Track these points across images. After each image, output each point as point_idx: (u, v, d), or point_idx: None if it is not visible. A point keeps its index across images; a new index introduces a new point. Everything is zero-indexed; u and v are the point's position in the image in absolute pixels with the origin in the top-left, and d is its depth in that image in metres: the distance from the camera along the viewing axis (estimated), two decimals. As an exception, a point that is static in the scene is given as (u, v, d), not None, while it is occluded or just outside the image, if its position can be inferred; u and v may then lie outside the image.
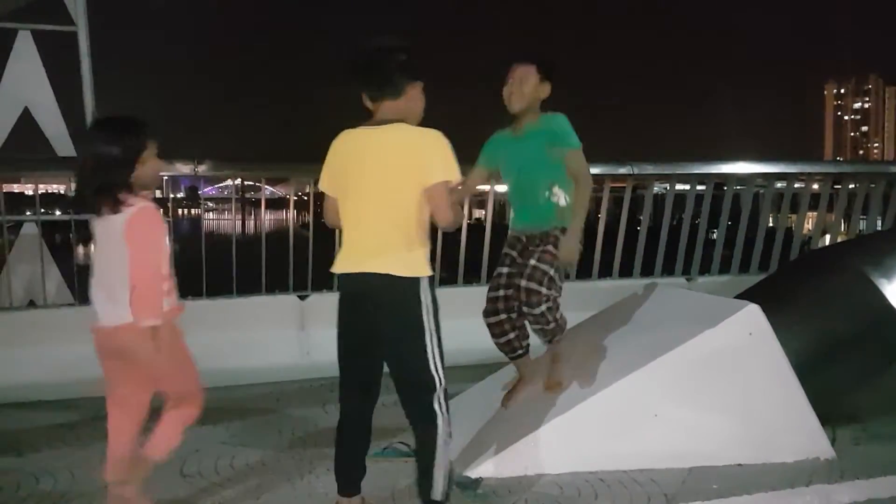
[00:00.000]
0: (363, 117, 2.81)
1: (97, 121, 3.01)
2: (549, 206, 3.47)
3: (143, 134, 2.75)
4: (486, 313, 3.68)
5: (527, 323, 3.63)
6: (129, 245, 2.65)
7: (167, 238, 2.78)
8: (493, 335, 3.70)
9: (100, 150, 2.71)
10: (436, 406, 2.75)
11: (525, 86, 3.46)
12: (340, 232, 2.92)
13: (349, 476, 2.96)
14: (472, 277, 6.01)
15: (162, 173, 3.26)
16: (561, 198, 3.47)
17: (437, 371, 2.74)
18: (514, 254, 3.60)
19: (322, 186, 2.88)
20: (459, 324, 5.61)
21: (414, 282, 2.69)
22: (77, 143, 3.03)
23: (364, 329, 2.81)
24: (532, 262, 3.44)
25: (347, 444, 2.96)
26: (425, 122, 2.81)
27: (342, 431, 2.98)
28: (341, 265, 2.82)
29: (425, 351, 2.71)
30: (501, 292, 3.61)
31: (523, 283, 3.43)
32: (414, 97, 2.78)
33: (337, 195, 2.83)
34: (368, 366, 2.88)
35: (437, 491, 2.74)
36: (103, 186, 2.67)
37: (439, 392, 2.75)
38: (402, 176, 2.69)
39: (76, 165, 2.87)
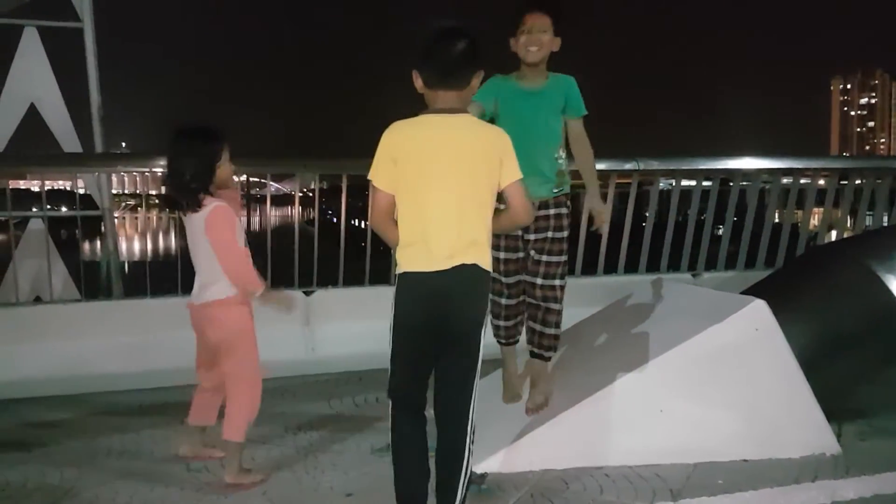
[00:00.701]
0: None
1: (180, 130, 3.23)
2: (554, 169, 3.42)
3: (221, 141, 3.21)
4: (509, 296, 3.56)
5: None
6: (210, 239, 3.16)
7: (239, 227, 3.27)
8: (506, 317, 3.61)
9: (184, 157, 3.17)
10: (470, 409, 2.68)
11: (545, 36, 3.31)
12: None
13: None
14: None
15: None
16: (563, 162, 3.44)
17: (478, 371, 2.69)
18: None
19: (378, 182, 2.62)
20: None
21: (486, 275, 2.66)
22: (166, 151, 3.30)
23: (432, 328, 2.68)
24: (545, 258, 3.43)
25: (398, 440, 2.88)
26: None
27: (397, 429, 2.86)
28: (414, 263, 2.63)
29: (478, 348, 2.67)
30: (514, 279, 3.53)
31: (539, 281, 3.42)
32: (475, 87, 2.68)
33: (396, 190, 2.62)
34: (423, 365, 2.78)
35: (458, 499, 2.68)
36: (188, 189, 3.16)
37: (475, 395, 2.69)
38: (479, 171, 2.59)
39: (165, 169, 3.29)
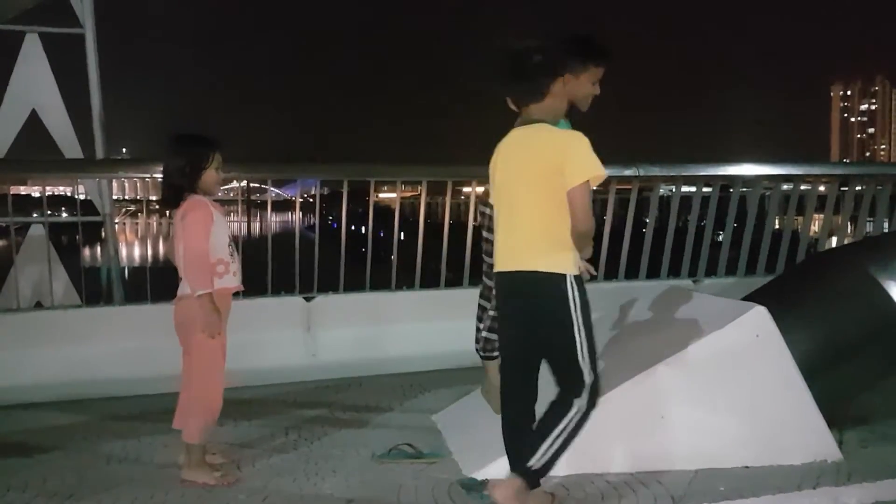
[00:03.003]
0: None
1: (174, 136, 3.44)
2: None
3: (211, 147, 3.35)
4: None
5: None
6: (182, 230, 3.26)
7: (221, 226, 3.32)
8: (489, 328, 3.83)
9: (171, 159, 3.35)
10: (574, 399, 2.84)
11: None
12: None
13: (511, 454, 3.01)
14: (477, 279, 6.02)
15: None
16: None
17: (585, 365, 2.83)
18: None
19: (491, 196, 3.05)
20: (465, 325, 5.64)
21: (561, 278, 2.79)
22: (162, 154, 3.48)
23: (518, 323, 2.92)
24: None
25: (513, 430, 3.00)
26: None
27: (506, 417, 3.03)
28: (496, 262, 2.96)
29: (574, 346, 2.81)
30: None
31: None
32: (557, 93, 2.84)
33: (493, 200, 2.99)
34: (524, 357, 2.96)
35: (534, 460, 2.84)
36: (173, 186, 3.32)
37: (585, 386, 2.84)
38: (544, 177, 2.77)
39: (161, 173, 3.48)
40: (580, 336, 2.82)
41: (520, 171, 2.84)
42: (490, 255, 3.57)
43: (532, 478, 2.88)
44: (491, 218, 3.56)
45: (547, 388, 2.97)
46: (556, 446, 2.84)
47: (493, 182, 3.00)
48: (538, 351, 2.94)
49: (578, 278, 2.83)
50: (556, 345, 2.86)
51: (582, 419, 2.86)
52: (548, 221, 2.79)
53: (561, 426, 2.84)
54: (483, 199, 3.82)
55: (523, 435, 2.95)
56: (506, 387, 3.05)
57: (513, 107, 2.92)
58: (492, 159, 2.99)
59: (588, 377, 2.85)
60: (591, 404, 2.88)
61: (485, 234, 3.81)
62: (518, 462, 2.92)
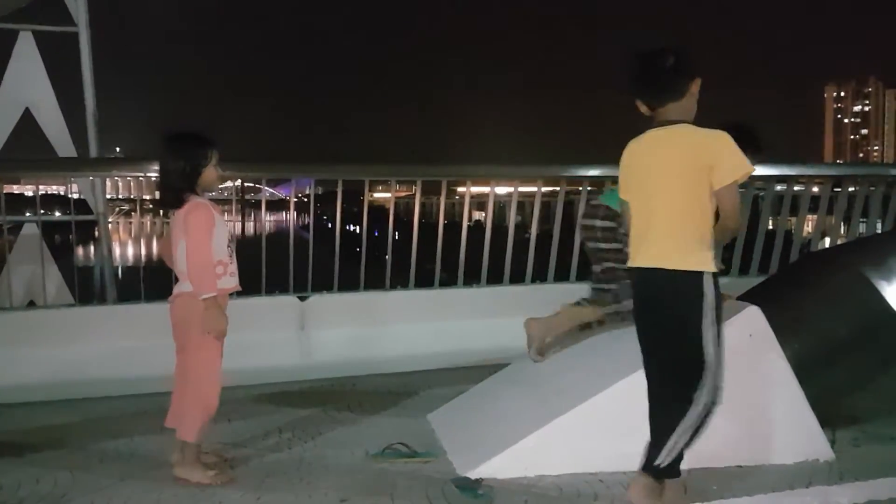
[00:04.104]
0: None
1: (170, 135, 3.42)
2: None
3: (208, 146, 3.34)
4: None
5: None
6: (183, 233, 3.25)
7: (221, 228, 3.31)
8: None
9: (170, 160, 3.31)
10: (695, 395, 2.88)
11: None
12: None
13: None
14: (471, 279, 6.02)
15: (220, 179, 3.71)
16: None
17: (710, 361, 2.88)
18: None
19: (620, 192, 3.11)
20: (459, 325, 5.65)
21: (700, 276, 2.83)
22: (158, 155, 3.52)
23: (654, 318, 2.98)
24: None
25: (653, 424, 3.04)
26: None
27: (651, 411, 3.06)
28: (633, 259, 3.00)
29: (702, 342, 2.85)
30: None
31: None
32: (693, 94, 2.90)
33: (628, 197, 3.03)
34: (658, 352, 3.02)
35: (662, 457, 2.92)
36: (173, 188, 3.30)
37: (707, 382, 2.88)
38: (690, 176, 2.82)
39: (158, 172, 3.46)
40: (710, 333, 2.86)
41: (665, 169, 2.87)
42: (602, 261, 3.87)
43: (662, 475, 2.96)
44: (602, 230, 3.83)
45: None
46: (681, 442, 2.91)
47: (627, 180, 3.05)
48: (665, 345, 2.98)
49: (716, 276, 2.88)
50: (686, 340, 2.89)
51: (706, 414, 2.91)
52: (691, 219, 2.85)
53: (686, 422, 2.89)
54: (593, 213, 3.91)
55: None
56: (650, 382, 3.09)
57: (644, 110, 2.96)
58: (623, 158, 3.05)
59: (711, 373, 2.89)
60: (714, 400, 2.92)
61: (591, 244, 3.96)
62: (646, 460, 2.99)
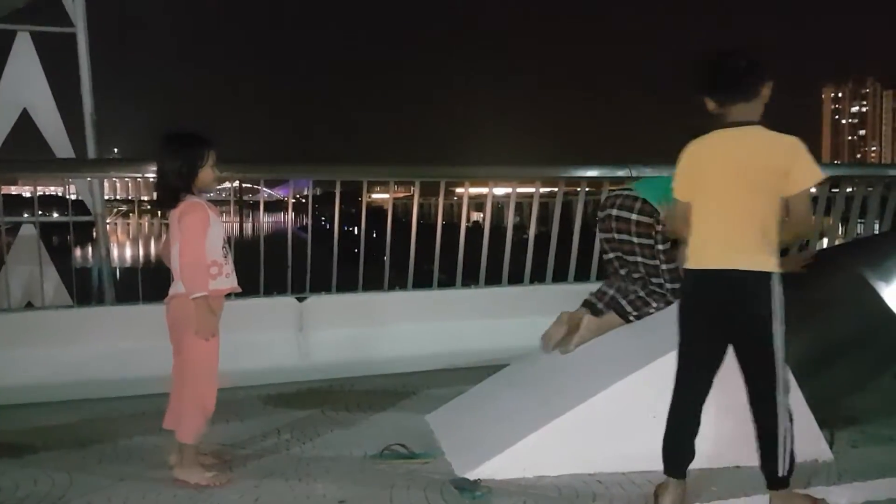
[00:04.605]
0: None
1: (167, 135, 3.41)
2: None
3: (205, 145, 3.33)
4: None
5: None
6: (178, 233, 3.25)
7: (217, 228, 3.31)
8: None
9: (167, 160, 3.31)
10: (774, 394, 2.92)
11: None
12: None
13: (676, 458, 3.10)
14: (470, 280, 6.02)
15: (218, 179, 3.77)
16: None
17: (779, 360, 2.91)
18: None
19: (676, 192, 3.07)
20: (458, 326, 5.65)
21: (769, 277, 2.88)
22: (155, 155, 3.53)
23: (712, 321, 2.98)
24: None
25: (678, 426, 3.08)
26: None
27: (675, 413, 3.09)
28: (698, 261, 2.99)
29: (771, 344, 2.89)
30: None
31: None
32: (764, 97, 2.93)
33: (692, 198, 3.00)
34: (710, 353, 3.04)
35: (780, 467, 2.96)
36: (170, 188, 3.30)
37: (779, 380, 2.92)
38: (762, 178, 2.86)
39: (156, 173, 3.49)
40: (780, 332, 2.89)
41: (737, 170, 2.88)
42: (630, 255, 3.84)
43: (788, 482, 3.01)
44: (638, 224, 3.79)
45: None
46: (789, 442, 2.96)
47: (691, 180, 3.02)
48: (734, 347, 3.00)
49: (781, 276, 2.92)
50: (759, 340, 2.92)
51: (790, 411, 2.97)
52: (762, 221, 2.87)
53: (782, 425, 2.94)
54: (629, 205, 3.85)
55: (691, 437, 3.06)
56: (682, 384, 3.09)
57: (713, 107, 2.96)
58: (685, 159, 3.04)
59: (781, 369, 2.92)
60: (788, 392, 2.97)
61: (620, 237, 3.89)
62: (682, 467, 3.08)
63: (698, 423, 3.06)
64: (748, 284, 2.89)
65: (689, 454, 3.09)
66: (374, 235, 6.17)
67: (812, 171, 2.87)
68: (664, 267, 3.79)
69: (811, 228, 2.94)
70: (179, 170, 3.29)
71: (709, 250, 2.96)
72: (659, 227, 3.73)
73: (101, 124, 7.46)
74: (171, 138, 3.40)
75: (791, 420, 2.97)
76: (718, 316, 2.97)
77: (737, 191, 2.89)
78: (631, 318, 3.88)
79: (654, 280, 3.82)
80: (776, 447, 2.95)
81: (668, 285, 3.79)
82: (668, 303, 3.77)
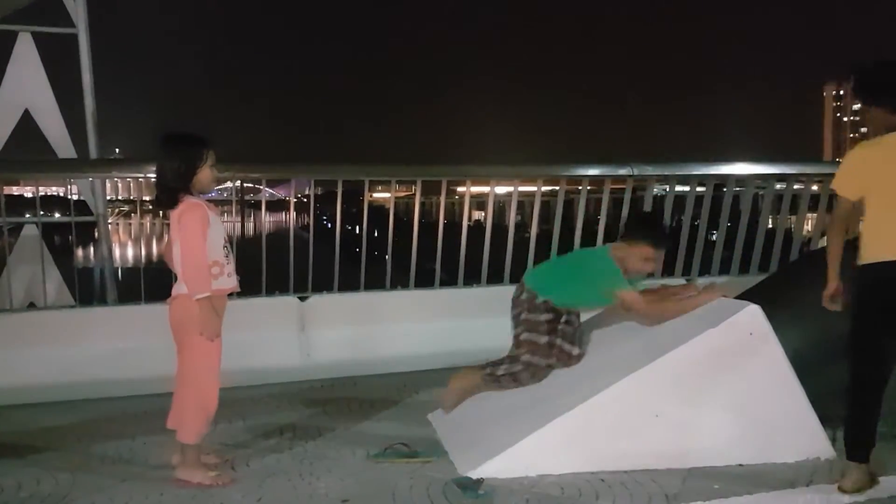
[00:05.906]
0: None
1: (166, 135, 3.42)
2: None
3: (203, 146, 3.34)
4: None
5: None
6: (178, 234, 3.25)
7: (217, 228, 3.32)
8: None
9: (166, 160, 3.32)
10: None
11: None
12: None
13: (859, 443, 3.26)
14: (471, 279, 6.02)
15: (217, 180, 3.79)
16: None
17: None
18: None
19: (844, 192, 3.27)
20: (460, 325, 5.64)
21: None
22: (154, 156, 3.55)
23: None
24: None
25: (862, 414, 3.26)
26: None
27: (858, 403, 3.28)
28: (879, 253, 3.18)
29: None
30: None
31: None
32: None
33: (864, 195, 3.20)
34: (892, 344, 3.21)
35: None
36: (169, 188, 3.30)
37: None
38: None
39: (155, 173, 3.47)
40: None
41: None
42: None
43: None
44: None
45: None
46: None
47: (865, 180, 3.21)
48: None
49: None
50: None
51: None
52: None
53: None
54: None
55: (874, 424, 3.24)
56: (863, 376, 3.27)
57: (881, 116, 3.21)
58: (856, 162, 3.28)
59: None
60: None
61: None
62: (866, 452, 3.24)
63: (880, 410, 3.23)
64: None
65: (873, 440, 3.24)
66: (376, 234, 6.16)
67: None
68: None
69: None
70: (178, 170, 3.29)
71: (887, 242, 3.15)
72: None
73: (103, 124, 7.46)
74: (169, 139, 3.40)
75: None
76: None
77: None
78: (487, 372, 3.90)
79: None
80: None
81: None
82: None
